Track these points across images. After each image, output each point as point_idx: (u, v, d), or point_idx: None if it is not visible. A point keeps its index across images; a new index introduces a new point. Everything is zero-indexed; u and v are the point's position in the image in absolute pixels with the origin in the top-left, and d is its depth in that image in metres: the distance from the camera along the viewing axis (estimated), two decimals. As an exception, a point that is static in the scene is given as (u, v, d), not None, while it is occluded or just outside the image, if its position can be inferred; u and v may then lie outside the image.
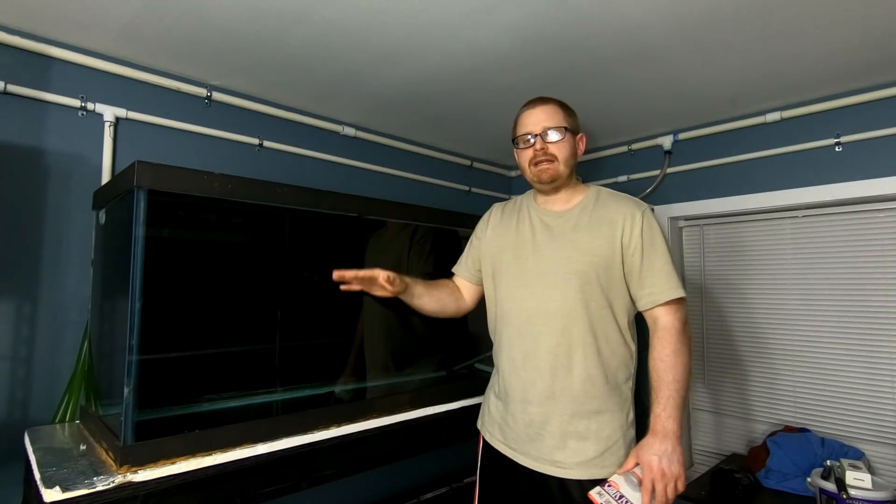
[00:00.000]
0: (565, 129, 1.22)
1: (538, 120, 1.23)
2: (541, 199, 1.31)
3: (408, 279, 1.33)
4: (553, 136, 1.22)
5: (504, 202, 1.44)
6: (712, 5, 1.26)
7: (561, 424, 1.16)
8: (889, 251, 1.76)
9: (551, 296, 1.19)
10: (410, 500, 2.04)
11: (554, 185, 1.25)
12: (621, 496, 1.04)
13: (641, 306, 1.18)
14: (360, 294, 1.38)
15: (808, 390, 1.92)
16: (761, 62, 1.57)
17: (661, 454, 1.05)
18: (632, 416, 1.20)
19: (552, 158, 1.21)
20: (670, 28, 1.37)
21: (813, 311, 1.92)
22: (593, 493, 1.06)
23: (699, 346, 2.24)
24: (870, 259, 1.80)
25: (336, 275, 1.25)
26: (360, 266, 1.52)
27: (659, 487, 1.03)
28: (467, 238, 1.52)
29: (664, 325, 1.14)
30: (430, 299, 1.37)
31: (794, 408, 1.95)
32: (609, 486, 1.07)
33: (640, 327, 1.24)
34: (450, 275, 1.49)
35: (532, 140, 1.23)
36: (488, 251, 1.36)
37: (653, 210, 2.27)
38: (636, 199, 1.25)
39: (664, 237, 1.20)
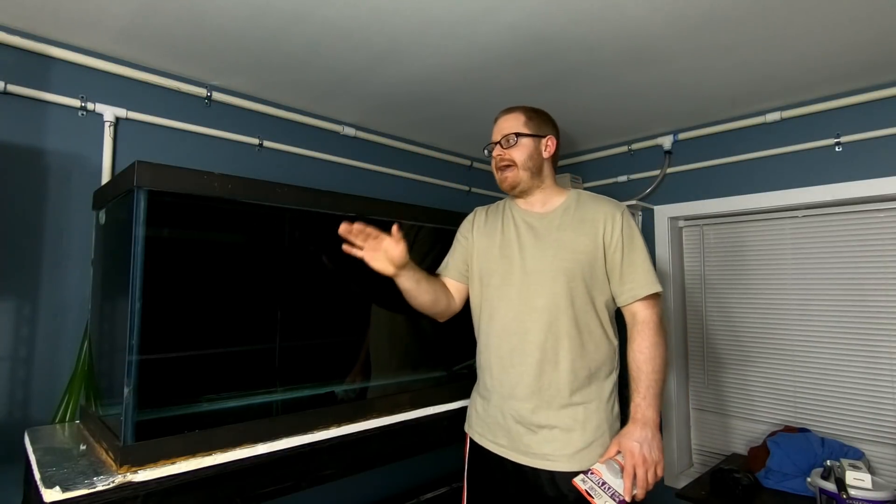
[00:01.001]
0: (517, 134, 1.28)
1: (500, 129, 1.32)
2: (522, 202, 1.36)
3: (411, 263, 1.28)
4: (506, 142, 1.29)
5: (487, 206, 1.48)
6: (712, 6, 1.26)
7: (549, 418, 1.20)
8: (889, 251, 1.76)
9: (538, 292, 1.23)
10: (410, 500, 2.04)
11: (518, 191, 1.32)
12: (604, 482, 1.08)
13: (622, 301, 1.24)
14: (363, 293, 1.38)
15: (808, 390, 1.92)
16: (761, 62, 1.57)
17: (642, 441, 1.10)
18: (616, 409, 1.25)
19: (510, 163, 1.29)
20: (670, 28, 1.37)
21: (813, 311, 1.92)
22: (577, 480, 1.10)
23: (699, 346, 2.24)
24: (870, 259, 1.80)
25: (343, 227, 1.19)
26: (360, 269, 1.52)
27: (640, 473, 1.07)
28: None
29: (643, 318, 1.20)
30: (427, 287, 1.32)
31: (794, 408, 1.95)
32: (592, 473, 1.11)
33: (621, 325, 1.28)
34: None
35: (493, 148, 1.33)
36: (475, 252, 1.39)
37: (651, 211, 2.27)
38: (615, 200, 1.31)
39: (641, 235, 1.27)
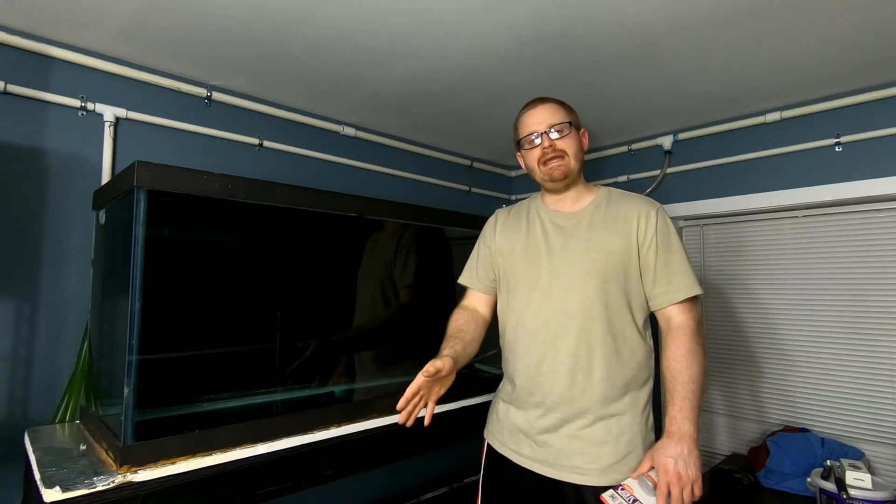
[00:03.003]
0: (569, 123, 1.21)
1: (541, 118, 1.22)
2: (549, 200, 1.29)
3: (449, 355, 1.15)
4: (559, 132, 1.21)
5: (509, 206, 1.41)
6: (712, 5, 1.26)
7: (580, 429, 1.13)
8: (889, 251, 1.76)
9: (569, 297, 1.16)
10: (410, 500, 2.04)
11: (566, 182, 1.23)
12: (635, 500, 1.01)
13: (655, 305, 1.16)
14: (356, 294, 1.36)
15: (808, 390, 1.92)
16: (761, 62, 1.57)
17: (676, 457, 1.01)
18: (651, 420, 1.18)
19: (562, 154, 1.20)
20: (670, 27, 1.37)
21: (813, 311, 1.92)
22: (606, 496, 1.03)
23: (699, 346, 2.24)
24: (870, 259, 1.80)
25: (401, 415, 1.08)
26: (358, 267, 1.51)
27: (675, 491, 0.99)
28: (460, 240, 1.52)
29: (678, 324, 1.12)
30: (471, 349, 1.27)
31: (793, 408, 1.95)
32: (623, 489, 1.04)
33: (655, 326, 1.22)
34: (449, 283, 1.48)
35: (538, 139, 1.22)
36: (499, 257, 1.32)
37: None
38: (649, 198, 1.24)
39: (678, 235, 1.19)
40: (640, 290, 1.18)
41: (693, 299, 1.14)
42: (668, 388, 1.09)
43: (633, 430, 1.14)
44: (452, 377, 1.16)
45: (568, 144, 1.21)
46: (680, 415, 1.05)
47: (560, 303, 1.17)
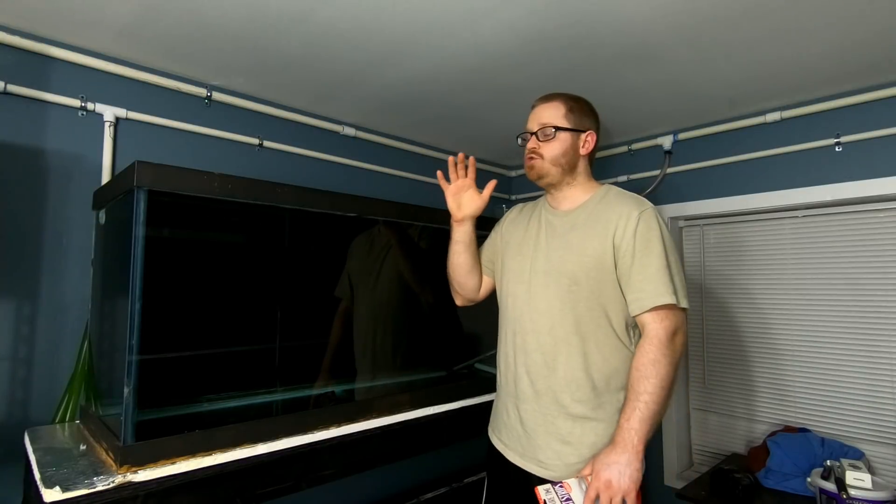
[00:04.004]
0: (555, 128, 1.21)
1: (537, 118, 1.26)
2: (549, 198, 1.32)
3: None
4: (544, 134, 1.23)
5: (527, 202, 1.45)
6: (712, 5, 1.26)
7: (545, 424, 1.17)
8: (889, 251, 1.76)
9: (541, 294, 1.20)
10: (410, 500, 2.04)
11: (544, 182, 1.26)
12: (568, 499, 1.02)
13: (631, 312, 1.13)
14: (357, 295, 1.37)
15: (808, 390, 1.92)
16: (761, 62, 1.57)
17: (611, 464, 1.01)
18: None
19: (538, 156, 1.23)
20: (670, 28, 1.37)
21: (813, 311, 1.92)
22: (540, 489, 1.05)
23: (699, 346, 2.24)
24: (870, 259, 1.80)
25: (452, 159, 1.33)
26: (357, 266, 1.52)
27: (603, 498, 1.00)
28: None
29: (648, 332, 1.09)
30: (474, 252, 1.38)
31: (794, 408, 1.95)
32: (560, 486, 1.05)
33: None
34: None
35: (526, 138, 1.27)
36: (501, 247, 1.38)
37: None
38: (642, 199, 1.19)
39: (664, 240, 1.12)
40: (618, 294, 1.15)
41: (670, 307, 1.09)
42: (626, 395, 1.08)
43: (598, 433, 1.13)
44: (474, 208, 1.32)
45: (547, 148, 1.23)
46: (627, 424, 1.04)
47: (534, 300, 1.21)
